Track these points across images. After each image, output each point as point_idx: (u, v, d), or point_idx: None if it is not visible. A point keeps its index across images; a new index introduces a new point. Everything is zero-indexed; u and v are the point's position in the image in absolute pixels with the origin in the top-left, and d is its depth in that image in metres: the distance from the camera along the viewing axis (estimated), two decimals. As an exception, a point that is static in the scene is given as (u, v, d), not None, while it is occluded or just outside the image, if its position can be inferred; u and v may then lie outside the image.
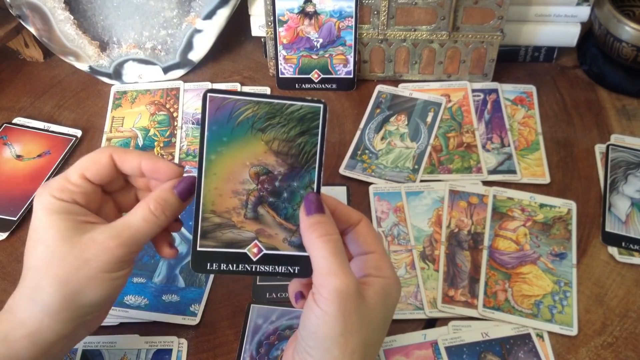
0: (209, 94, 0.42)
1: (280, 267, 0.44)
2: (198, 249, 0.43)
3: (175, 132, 0.72)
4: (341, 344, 0.39)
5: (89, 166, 0.44)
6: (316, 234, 0.41)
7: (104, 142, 0.72)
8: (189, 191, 0.44)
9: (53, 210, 0.42)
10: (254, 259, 0.43)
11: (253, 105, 0.42)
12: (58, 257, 0.41)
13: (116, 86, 0.77)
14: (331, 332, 0.39)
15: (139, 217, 0.43)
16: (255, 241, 0.43)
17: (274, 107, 0.42)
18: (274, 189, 0.43)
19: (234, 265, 0.43)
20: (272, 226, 0.44)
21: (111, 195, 0.48)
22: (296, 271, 0.44)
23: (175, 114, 0.74)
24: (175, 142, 0.71)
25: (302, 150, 0.43)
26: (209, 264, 0.43)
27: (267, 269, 0.44)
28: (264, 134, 0.43)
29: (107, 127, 0.73)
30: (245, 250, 0.43)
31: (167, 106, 0.75)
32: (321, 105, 0.42)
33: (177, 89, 0.76)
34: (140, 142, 0.71)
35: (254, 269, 0.44)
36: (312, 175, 0.43)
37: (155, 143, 0.71)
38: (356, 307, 0.39)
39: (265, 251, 0.43)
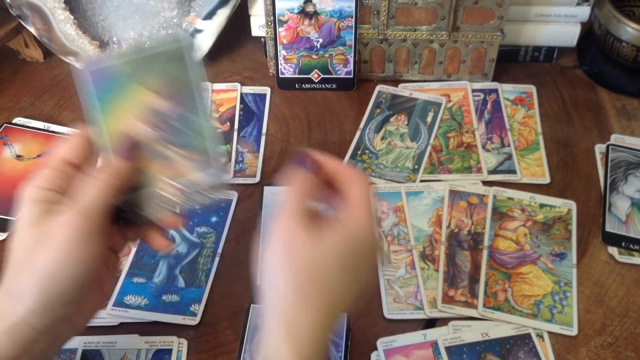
0: (88, 71, 0.45)
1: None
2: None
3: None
4: (288, 278, 0.40)
5: (68, 148, 0.45)
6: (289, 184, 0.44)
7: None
8: (130, 150, 0.46)
9: (29, 199, 0.43)
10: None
11: (125, 64, 0.45)
12: (25, 243, 0.42)
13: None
14: (278, 266, 0.41)
15: (89, 184, 0.44)
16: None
17: (145, 59, 0.45)
18: (168, 126, 0.46)
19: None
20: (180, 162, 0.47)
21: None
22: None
23: None
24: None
25: (179, 82, 0.46)
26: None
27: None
28: (144, 84, 0.45)
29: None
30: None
31: None
32: (181, 43, 0.45)
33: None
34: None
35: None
36: (197, 100, 0.46)
37: None
38: (304, 242, 0.41)
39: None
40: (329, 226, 0.42)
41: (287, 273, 0.40)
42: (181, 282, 0.59)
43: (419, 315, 0.57)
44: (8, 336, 0.41)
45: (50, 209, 0.43)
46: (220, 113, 0.74)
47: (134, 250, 0.61)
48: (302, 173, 0.44)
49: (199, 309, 0.57)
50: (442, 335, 0.55)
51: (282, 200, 0.43)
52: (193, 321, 0.57)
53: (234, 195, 0.66)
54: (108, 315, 0.57)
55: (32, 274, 0.41)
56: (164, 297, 0.58)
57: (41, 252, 0.41)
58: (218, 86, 0.77)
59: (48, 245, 0.42)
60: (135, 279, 0.60)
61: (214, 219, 0.64)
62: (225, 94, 0.76)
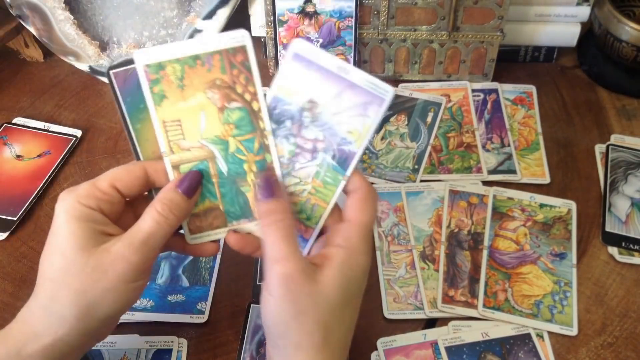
0: (111, 72, 0.44)
1: None
2: None
3: (266, 140, 0.45)
4: (296, 328, 0.39)
5: (122, 176, 0.44)
6: (266, 221, 0.41)
7: (169, 170, 0.45)
8: (194, 187, 0.44)
9: (74, 216, 0.41)
10: None
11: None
12: (75, 268, 0.41)
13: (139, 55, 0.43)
14: (283, 317, 0.39)
15: (148, 221, 0.42)
16: None
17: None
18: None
19: None
20: None
21: (132, 205, 0.47)
22: None
23: (255, 104, 0.45)
24: (272, 162, 0.45)
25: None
26: None
27: None
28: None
29: (163, 145, 0.44)
30: None
31: (239, 90, 0.45)
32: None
33: (244, 51, 0.44)
34: (223, 166, 0.46)
35: None
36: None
37: (246, 166, 0.46)
38: (304, 288, 0.39)
39: None
40: (327, 263, 0.41)
41: (294, 322, 0.40)
42: (185, 282, 0.59)
43: (419, 315, 0.57)
44: (42, 355, 0.41)
45: (97, 231, 0.42)
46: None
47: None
48: (277, 205, 0.43)
49: (206, 306, 0.57)
50: (442, 335, 0.55)
51: (267, 246, 0.41)
52: (201, 319, 0.56)
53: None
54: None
55: (77, 299, 0.41)
56: (169, 298, 0.58)
57: (92, 282, 0.41)
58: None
59: (101, 276, 0.41)
60: (136, 279, 0.59)
61: (214, 219, 0.64)
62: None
